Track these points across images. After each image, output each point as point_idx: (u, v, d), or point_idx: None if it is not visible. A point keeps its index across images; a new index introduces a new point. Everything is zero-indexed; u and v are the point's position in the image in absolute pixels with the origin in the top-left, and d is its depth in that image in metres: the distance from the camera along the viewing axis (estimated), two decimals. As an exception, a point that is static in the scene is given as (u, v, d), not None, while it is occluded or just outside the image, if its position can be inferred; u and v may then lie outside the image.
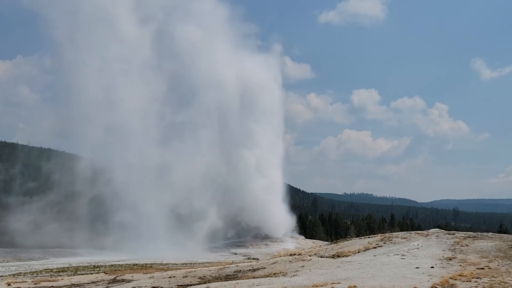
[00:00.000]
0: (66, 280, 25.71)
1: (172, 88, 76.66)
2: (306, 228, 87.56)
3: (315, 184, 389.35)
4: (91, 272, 33.07)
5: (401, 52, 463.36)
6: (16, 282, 24.96)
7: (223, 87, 76.54)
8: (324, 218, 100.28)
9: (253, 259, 38.70)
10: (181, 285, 20.41)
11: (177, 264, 40.09)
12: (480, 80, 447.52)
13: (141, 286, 20.95)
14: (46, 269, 38.37)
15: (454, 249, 20.56)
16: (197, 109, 75.96)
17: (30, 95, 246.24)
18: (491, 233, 26.31)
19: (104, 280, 24.68)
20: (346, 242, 26.94)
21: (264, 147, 75.99)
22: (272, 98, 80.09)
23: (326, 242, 49.21)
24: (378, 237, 25.89)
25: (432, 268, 17.05)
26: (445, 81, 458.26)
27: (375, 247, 22.89)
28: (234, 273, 22.83)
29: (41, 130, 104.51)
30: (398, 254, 20.14)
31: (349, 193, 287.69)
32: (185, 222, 67.04)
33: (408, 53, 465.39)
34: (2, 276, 33.03)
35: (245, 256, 52.08)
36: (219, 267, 26.07)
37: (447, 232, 26.23)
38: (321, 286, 14.75)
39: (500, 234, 26.93)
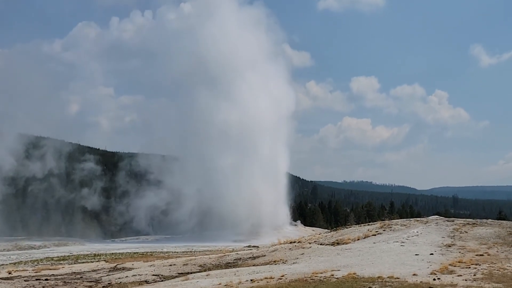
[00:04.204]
0: (66, 268, 25.80)
1: None
2: (305, 216, 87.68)
3: (314, 172, 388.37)
4: (92, 260, 33.20)
5: (401, 39, 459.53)
6: (17, 271, 25.05)
7: None
8: (324, 206, 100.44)
9: (253, 247, 38.80)
10: (182, 273, 20.49)
11: (177, 253, 40.21)
12: (479, 67, 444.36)
13: (142, 274, 21.05)
14: (46, 257, 38.50)
15: (454, 236, 20.63)
16: None
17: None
18: (490, 220, 26.40)
19: (104, 268, 24.77)
20: (346, 229, 27.02)
21: (268, 137, 74.82)
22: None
23: (326, 230, 49.30)
24: (378, 224, 25.97)
25: (431, 255, 17.11)
26: (445, 68, 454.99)
27: (375, 235, 22.96)
28: (234, 261, 22.92)
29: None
30: (397, 241, 20.21)
31: (348, 181, 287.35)
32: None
33: (407, 40, 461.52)
34: (3, 264, 33.13)
35: (245, 243, 52.19)
36: (219, 255, 26.19)
37: (447, 219, 26.31)
38: (321, 273, 14.80)
39: (499, 220, 27.05)
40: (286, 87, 78.59)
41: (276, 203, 71.16)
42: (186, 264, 23.02)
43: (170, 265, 23.26)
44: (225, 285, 14.06)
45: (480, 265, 15.08)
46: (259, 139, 73.55)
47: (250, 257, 23.31)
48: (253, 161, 71.68)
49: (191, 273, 19.94)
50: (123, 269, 23.87)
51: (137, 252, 41.36)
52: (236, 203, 66.90)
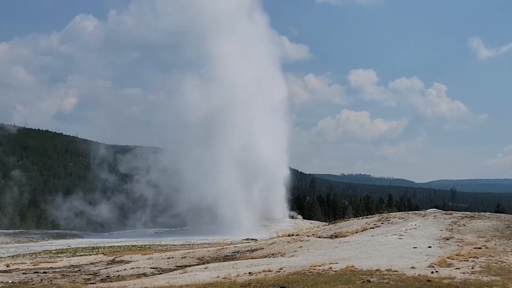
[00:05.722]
0: (65, 261, 25.79)
1: None
2: (304, 209, 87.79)
3: (313, 165, 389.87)
4: (90, 253, 33.17)
5: (399, 32, 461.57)
6: (15, 264, 25.03)
7: None
8: (322, 199, 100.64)
9: (252, 239, 38.82)
10: (180, 266, 20.49)
11: (175, 246, 40.22)
12: (477, 60, 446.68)
13: (140, 267, 21.02)
14: (45, 250, 38.47)
15: (452, 229, 20.64)
16: None
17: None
18: (488, 213, 26.42)
19: (103, 261, 24.77)
20: (344, 222, 27.03)
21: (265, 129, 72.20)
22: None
23: (324, 223, 49.33)
24: (376, 217, 25.98)
25: (429, 248, 17.11)
26: (443, 61, 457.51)
27: (373, 228, 22.97)
28: (233, 254, 22.93)
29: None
30: (395, 234, 20.21)
31: (347, 174, 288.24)
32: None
33: (405, 33, 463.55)
34: (1, 257, 33.10)
35: (243, 237, 52.25)
36: (217, 248, 26.20)
37: (445, 212, 26.34)
38: (319, 266, 14.79)
39: (497, 214, 27.07)
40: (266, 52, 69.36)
41: (272, 196, 70.47)
42: (184, 257, 23.02)
43: (168, 258, 23.25)
44: (223, 278, 14.04)
45: (478, 258, 15.09)
46: (236, 125, 65.97)
47: (248, 250, 23.33)
48: (226, 150, 64.65)
49: (189, 266, 19.93)
50: (121, 262, 23.87)
51: (135, 245, 41.35)
52: (221, 196, 62.81)
